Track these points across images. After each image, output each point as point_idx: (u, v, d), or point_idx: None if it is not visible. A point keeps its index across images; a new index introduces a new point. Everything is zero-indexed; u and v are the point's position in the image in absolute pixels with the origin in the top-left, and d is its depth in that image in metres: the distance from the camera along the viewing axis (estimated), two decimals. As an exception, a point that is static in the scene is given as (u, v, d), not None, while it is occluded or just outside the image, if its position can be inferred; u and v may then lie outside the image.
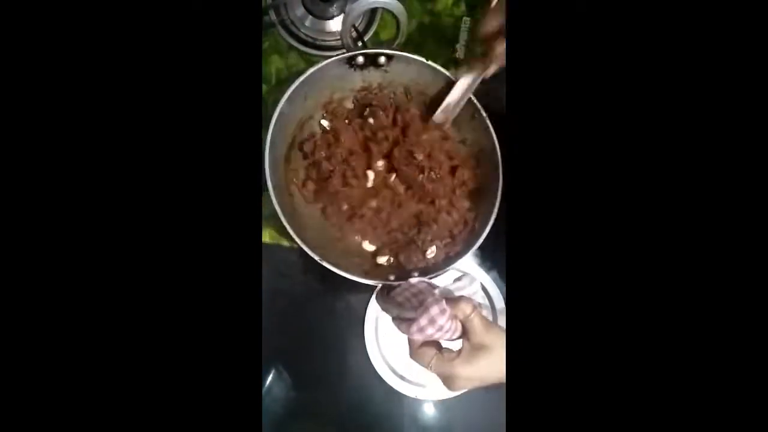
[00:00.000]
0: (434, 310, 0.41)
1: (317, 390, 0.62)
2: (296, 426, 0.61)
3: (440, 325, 0.41)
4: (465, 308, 0.41)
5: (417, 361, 0.43)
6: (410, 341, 0.45)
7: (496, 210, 0.51)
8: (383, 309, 0.47)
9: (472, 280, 0.51)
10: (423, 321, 0.41)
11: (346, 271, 0.49)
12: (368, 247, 0.57)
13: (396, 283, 0.51)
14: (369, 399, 0.61)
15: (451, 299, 0.43)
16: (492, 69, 0.49)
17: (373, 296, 0.50)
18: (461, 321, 0.42)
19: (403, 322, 0.44)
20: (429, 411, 0.62)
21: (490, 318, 0.62)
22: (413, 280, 0.50)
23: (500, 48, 0.46)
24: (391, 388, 0.60)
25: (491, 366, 0.41)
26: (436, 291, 0.47)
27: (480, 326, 0.41)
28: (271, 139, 0.48)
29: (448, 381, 0.42)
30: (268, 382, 0.61)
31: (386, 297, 0.49)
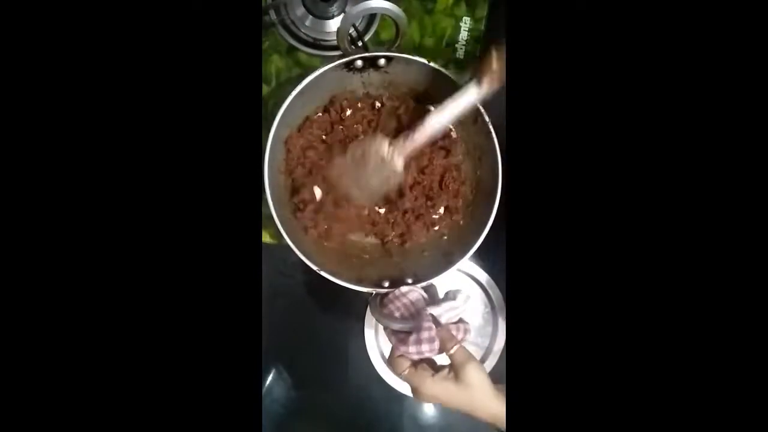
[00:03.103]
0: (425, 335, 0.44)
1: (317, 390, 0.62)
2: (296, 426, 0.61)
3: (423, 352, 0.44)
4: (448, 342, 0.44)
5: (391, 369, 0.47)
6: (392, 348, 0.47)
7: (493, 216, 0.51)
8: (376, 319, 0.49)
9: (466, 299, 0.51)
10: (412, 348, 0.44)
11: (341, 278, 0.49)
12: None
13: (388, 290, 0.51)
14: (369, 399, 0.61)
15: (440, 328, 0.45)
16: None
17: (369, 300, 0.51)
18: (444, 350, 0.44)
19: (393, 334, 0.46)
20: (429, 411, 0.62)
21: (490, 315, 0.62)
22: (404, 289, 0.51)
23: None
24: (391, 388, 0.60)
25: (457, 397, 0.43)
26: (429, 310, 0.48)
27: (460, 360, 0.43)
28: (270, 152, 0.48)
29: (414, 391, 0.45)
30: (268, 382, 0.61)
31: (378, 306, 0.50)
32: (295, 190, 0.55)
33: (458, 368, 0.43)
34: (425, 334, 0.44)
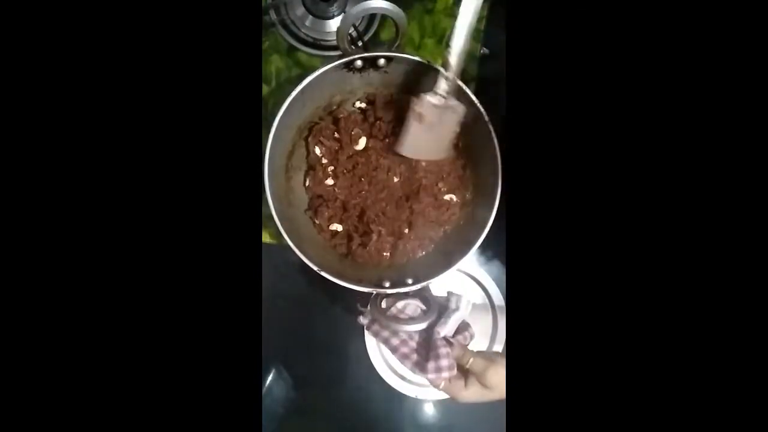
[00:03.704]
0: (443, 363, 0.46)
1: (317, 390, 0.62)
2: (296, 426, 0.61)
3: (442, 376, 0.46)
4: (463, 358, 0.47)
5: (430, 383, 0.48)
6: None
7: (493, 215, 0.51)
8: (374, 334, 0.50)
9: (468, 304, 0.52)
10: (431, 375, 0.46)
11: (341, 278, 0.50)
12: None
13: (389, 292, 0.51)
14: (369, 399, 0.61)
15: (453, 347, 0.47)
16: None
17: (368, 306, 0.52)
18: (462, 365, 0.47)
19: (407, 358, 0.48)
20: (429, 411, 0.62)
21: (490, 315, 0.62)
22: (400, 305, 0.51)
23: None
24: (391, 388, 0.60)
25: (492, 395, 0.46)
26: (440, 333, 0.48)
27: (480, 369, 0.46)
28: (270, 152, 0.48)
29: (452, 398, 0.48)
30: (268, 382, 0.61)
31: (378, 307, 0.50)
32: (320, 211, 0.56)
33: (481, 376, 0.46)
34: (444, 362, 0.46)
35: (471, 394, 0.47)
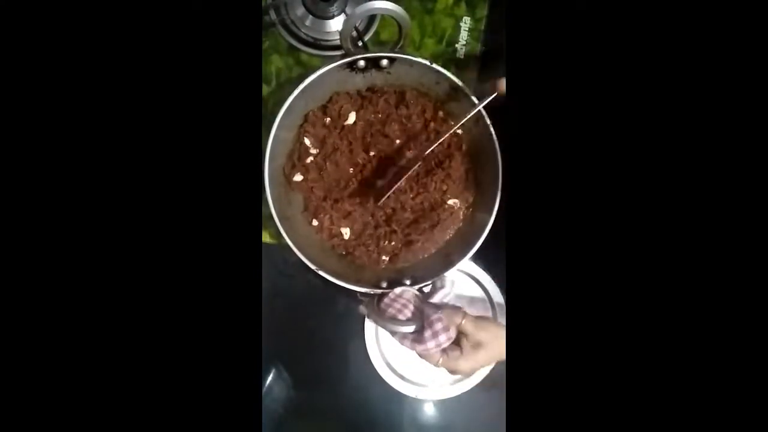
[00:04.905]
0: (438, 326, 0.46)
1: (317, 390, 0.62)
2: (296, 426, 0.61)
3: (440, 341, 0.46)
4: (456, 319, 0.47)
5: (427, 361, 0.48)
6: (413, 349, 0.48)
7: (493, 216, 0.51)
8: (374, 321, 0.49)
9: (452, 283, 0.52)
10: (431, 343, 0.46)
11: (340, 278, 0.50)
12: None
13: (385, 291, 0.51)
14: (369, 399, 0.61)
15: (446, 310, 0.47)
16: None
17: (363, 307, 0.51)
18: (456, 328, 0.47)
19: (405, 338, 0.48)
20: (429, 411, 0.62)
21: (490, 314, 0.62)
22: (398, 290, 0.51)
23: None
24: (391, 388, 0.60)
25: (487, 356, 0.48)
26: (430, 300, 0.49)
27: (472, 329, 0.47)
28: (270, 152, 0.48)
29: (453, 372, 0.49)
30: (268, 382, 0.61)
31: (376, 309, 0.50)
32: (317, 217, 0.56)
33: (474, 335, 0.47)
34: (438, 326, 0.46)
35: (468, 362, 0.47)
